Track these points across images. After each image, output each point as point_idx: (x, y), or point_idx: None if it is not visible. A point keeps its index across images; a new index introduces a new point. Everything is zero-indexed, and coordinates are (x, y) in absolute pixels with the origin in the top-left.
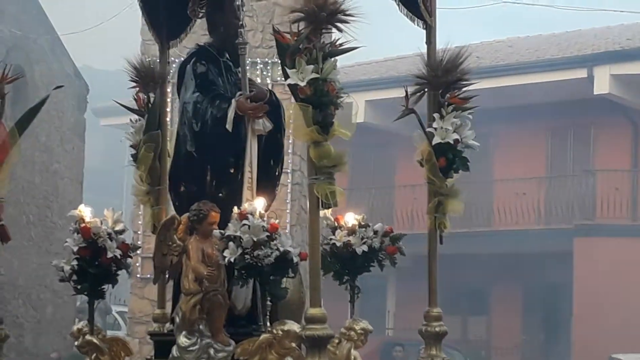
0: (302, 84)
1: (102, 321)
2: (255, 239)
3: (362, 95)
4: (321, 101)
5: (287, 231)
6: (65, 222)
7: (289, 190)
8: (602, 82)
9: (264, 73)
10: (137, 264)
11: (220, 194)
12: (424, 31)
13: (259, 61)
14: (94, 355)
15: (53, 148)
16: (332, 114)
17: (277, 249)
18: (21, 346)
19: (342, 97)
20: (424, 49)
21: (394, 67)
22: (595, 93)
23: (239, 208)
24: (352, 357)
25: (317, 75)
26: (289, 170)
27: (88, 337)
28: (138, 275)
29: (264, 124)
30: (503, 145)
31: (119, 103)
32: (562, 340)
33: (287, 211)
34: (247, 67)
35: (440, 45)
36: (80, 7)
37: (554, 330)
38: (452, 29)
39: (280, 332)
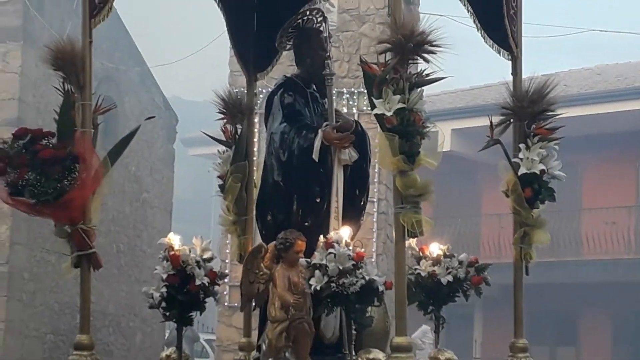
0: (389, 113)
1: (189, 349)
2: (341, 267)
3: (449, 124)
4: (407, 131)
5: (373, 260)
6: (154, 250)
7: (374, 219)
8: None
9: (350, 103)
10: (225, 292)
11: (307, 223)
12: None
13: (345, 91)
14: None
15: (143, 178)
16: (418, 143)
17: (363, 278)
18: None
19: (428, 127)
20: (509, 78)
21: (480, 96)
22: None
23: (325, 237)
24: None
25: (404, 106)
26: (374, 199)
27: None
28: (226, 304)
29: (350, 154)
30: (592, 174)
31: (206, 134)
32: None
33: (373, 240)
34: (334, 98)
35: (526, 73)
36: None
37: None
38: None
39: None
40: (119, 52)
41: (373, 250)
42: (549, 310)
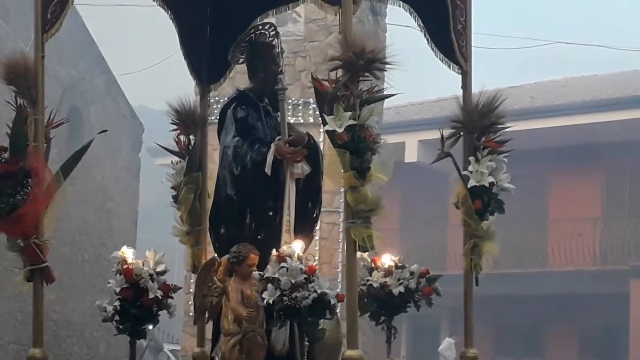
0: (340, 130)
1: (153, 359)
2: (293, 281)
3: (416, 135)
4: (358, 147)
5: (339, 270)
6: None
7: (340, 230)
8: None
9: (316, 113)
10: (190, 302)
11: (260, 237)
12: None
13: (311, 101)
14: None
15: (108, 187)
16: (369, 159)
17: (315, 291)
18: None
19: (379, 142)
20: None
21: (448, 107)
22: None
23: (277, 250)
24: None
25: (355, 122)
26: (341, 210)
27: None
28: (190, 314)
29: (302, 168)
30: (558, 186)
31: (159, 145)
32: None
33: (339, 250)
34: (300, 107)
35: (491, 86)
36: (136, 47)
37: None
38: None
39: None
40: (85, 60)
41: (339, 260)
42: (515, 322)
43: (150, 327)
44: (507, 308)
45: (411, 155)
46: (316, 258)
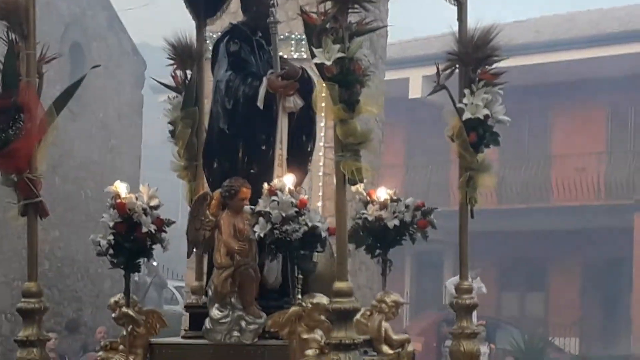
0: (329, 63)
1: (158, 296)
2: (284, 215)
3: (420, 70)
4: (347, 80)
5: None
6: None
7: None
8: None
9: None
10: None
11: (252, 171)
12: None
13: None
14: (130, 327)
15: (111, 124)
16: (358, 92)
17: (306, 224)
18: (80, 320)
19: (368, 75)
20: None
21: (451, 43)
22: None
23: (269, 184)
24: (383, 329)
25: (344, 55)
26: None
27: (124, 309)
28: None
29: (294, 101)
30: (562, 121)
31: (156, 80)
32: (622, 316)
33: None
34: (291, 42)
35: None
36: None
37: (613, 306)
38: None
39: (309, 305)
40: None
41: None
42: (519, 257)
43: (154, 263)
44: (511, 244)
45: (415, 91)
46: (306, 190)
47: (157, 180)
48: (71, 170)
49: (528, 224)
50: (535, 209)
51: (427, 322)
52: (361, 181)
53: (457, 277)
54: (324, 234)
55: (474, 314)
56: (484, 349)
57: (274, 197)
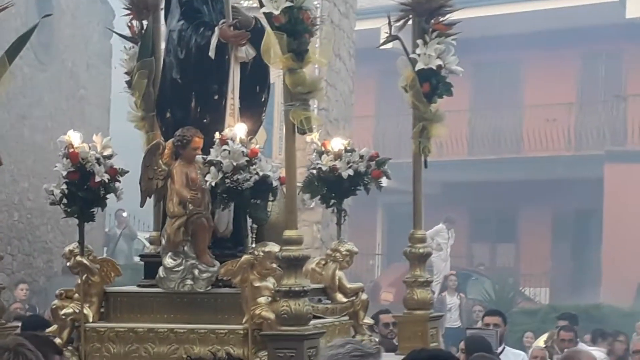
0: (277, 12)
1: (128, 247)
2: (235, 164)
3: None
4: (295, 29)
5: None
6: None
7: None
8: (635, 7)
9: None
10: None
11: (205, 120)
12: None
13: None
14: (85, 275)
15: (79, 74)
16: (307, 41)
17: (257, 174)
18: (51, 271)
19: (317, 24)
20: None
21: None
22: (627, 17)
23: (221, 134)
24: (337, 278)
25: (292, 4)
26: None
27: (79, 258)
28: None
29: (247, 51)
30: (533, 71)
31: (111, 30)
32: (592, 266)
33: None
34: None
35: None
36: None
37: (583, 256)
38: None
39: (261, 253)
40: None
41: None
42: (489, 208)
43: (125, 214)
44: (481, 194)
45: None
46: (257, 140)
47: (126, 131)
48: (40, 121)
49: (499, 174)
50: (505, 159)
51: (398, 273)
52: (310, 130)
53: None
54: (275, 183)
55: (447, 264)
56: (455, 299)
57: (225, 147)
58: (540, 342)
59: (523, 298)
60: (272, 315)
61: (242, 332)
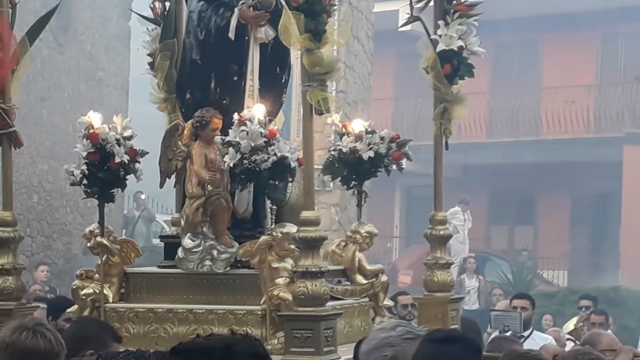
0: None
1: (146, 229)
2: (253, 145)
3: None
4: (313, 9)
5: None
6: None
7: None
8: None
9: None
10: None
11: (224, 101)
12: None
13: None
14: (105, 256)
15: (98, 56)
16: (324, 21)
17: (275, 154)
18: (70, 253)
19: (335, 5)
20: None
21: None
22: None
23: (239, 115)
24: (357, 259)
25: None
26: None
27: (99, 238)
28: None
29: (266, 32)
30: (552, 53)
31: (134, 12)
32: (610, 249)
33: None
34: None
35: None
36: None
37: (602, 239)
38: None
39: (279, 234)
40: None
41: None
42: (508, 190)
43: (143, 196)
44: (500, 176)
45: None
46: (275, 122)
47: (145, 113)
48: (59, 103)
49: (517, 157)
50: (524, 142)
51: (416, 255)
52: (327, 111)
53: (452, 209)
54: (293, 164)
55: (466, 246)
56: (473, 281)
57: (243, 127)
58: (570, 325)
59: (541, 280)
60: (289, 296)
61: (260, 312)
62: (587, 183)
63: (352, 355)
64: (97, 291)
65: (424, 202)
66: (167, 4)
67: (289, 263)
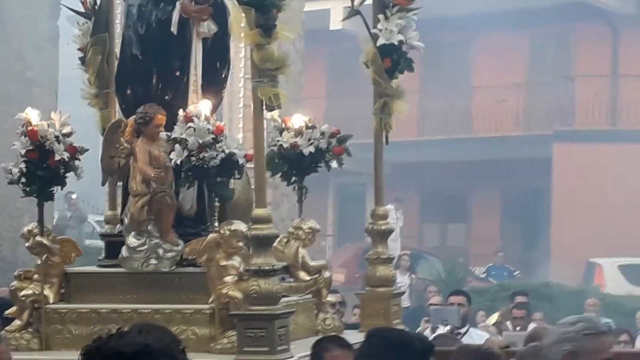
0: None
1: (78, 229)
2: (200, 141)
3: (341, 1)
4: (263, 4)
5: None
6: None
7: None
8: None
9: None
10: None
11: (167, 97)
12: None
13: None
14: (45, 256)
15: (27, 56)
16: (275, 16)
17: (223, 151)
18: None
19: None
20: None
21: None
22: None
23: (184, 110)
24: (300, 256)
25: None
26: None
27: (38, 238)
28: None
29: (209, 26)
30: (482, 52)
31: (65, 6)
32: (541, 245)
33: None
34: None
35: None
36: None
37: (533, 235)
38: None
39: (227, 232)
40: None
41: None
42: (440, 188)
43: (74, 196)
44: (432, 175)
45: (336, 22)
46: (221, 117)
47: (74, 113)
48: None
49: (449, 154)
50: (455, 140)
51: (349, 253)
52: (279, 107)
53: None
54: (241, 161)
55: (397, 244)
56: (405, 278)
57: (190, 124)
58: (492, 319)
59: (473, 277)
60: (239, 295)
61: (208, 311)
62: (517, 180)
63: (303, 353)
64: (37, 292)
65: (356, 201)
66: None
67: (237, 261)
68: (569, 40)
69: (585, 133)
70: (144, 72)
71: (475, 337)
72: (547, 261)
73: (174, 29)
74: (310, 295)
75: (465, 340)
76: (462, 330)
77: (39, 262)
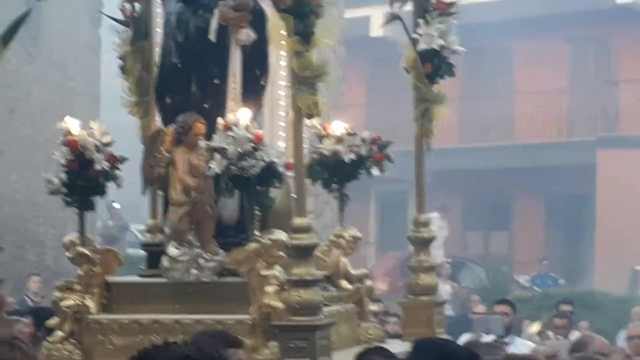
0: None
1: (120, 238)
2: (240, 150)
3: (381, 8)
4: (302, 11)
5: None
6: None
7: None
8: None
9: None
10: None
11: (206, 105)
12: None
13: None
14: (86, 266)
15: (68, 65)
16: (314, 23)
17: (263, 160)
18: (42, 264)
19: (323, 6)
20: None
21: None
22: (616, 2)
23: (223, 119)
24: (342, 264)
25: None
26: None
27: (79, 248)
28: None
29: (247, 34)
30: (524, 57)
31: (104, 14)
32: (585, 253)
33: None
34: None
35: None
36: None
37: (577, 243)
38: None
39: (268, 241)
40: None
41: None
42: (482, 195)
43: (117, 205)
44: (473, 182)
45: (377, 29)
46: (260, 125)
47: (116, 122)
48: (29, 113)
49: (490, 161)
50: (497, 146)
51: (391, 262)
52: (318, 115)
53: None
54: (281, 169)
55: (441, 252)
56: (447, 287)
57: (229, 133)
58: (534, 328)
59: (517, 286)
60: (280, 305)
61: (249, 322)
62: (561, 187)
63: None
64: (79, 302)
65: (398, 209)
66: (137, 5)
67: (277, 270)
68: (610, 44)
69: (629, 139)
70: (183, 81)
71: (520, 346)
72: (592, 268)
73: (212, 36)
74: (352, 305)
75: (511, 349)
76: (507, 340)
77: (80, 272)
